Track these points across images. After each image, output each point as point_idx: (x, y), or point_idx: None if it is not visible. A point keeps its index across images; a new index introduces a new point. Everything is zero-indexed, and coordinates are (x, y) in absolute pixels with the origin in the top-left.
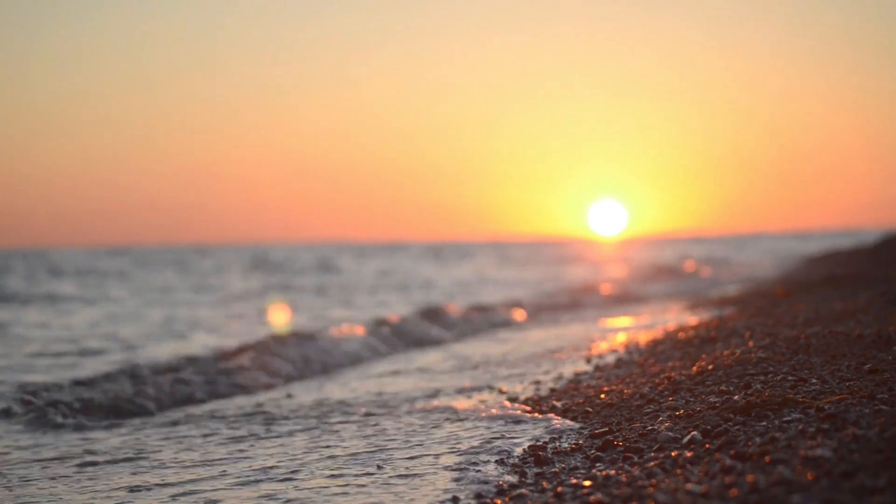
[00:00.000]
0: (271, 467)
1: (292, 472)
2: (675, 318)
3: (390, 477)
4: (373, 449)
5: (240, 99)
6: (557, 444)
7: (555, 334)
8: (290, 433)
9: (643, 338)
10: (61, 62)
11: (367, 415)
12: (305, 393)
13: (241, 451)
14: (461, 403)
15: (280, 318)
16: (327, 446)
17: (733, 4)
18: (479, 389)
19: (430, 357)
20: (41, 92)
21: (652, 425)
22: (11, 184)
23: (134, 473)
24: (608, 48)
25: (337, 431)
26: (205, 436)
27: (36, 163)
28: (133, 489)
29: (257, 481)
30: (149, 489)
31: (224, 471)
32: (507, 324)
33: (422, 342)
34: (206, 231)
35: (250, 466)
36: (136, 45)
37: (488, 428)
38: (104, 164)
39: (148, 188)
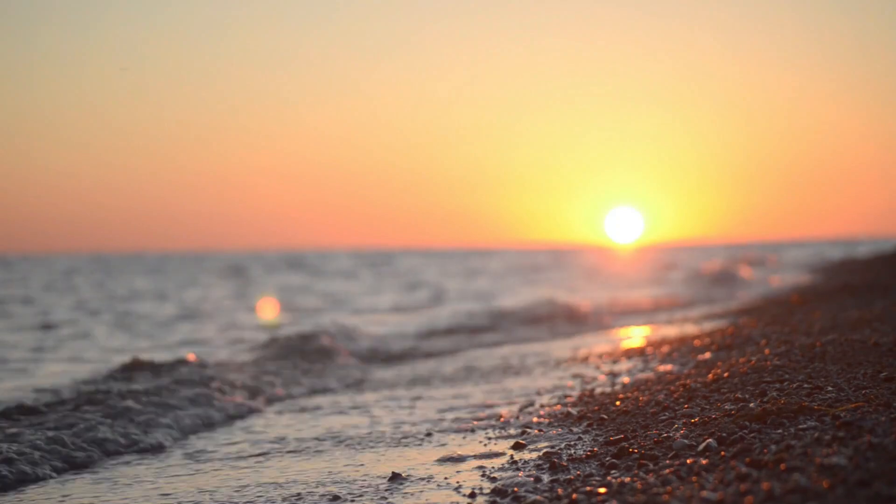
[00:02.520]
0: None
1: None
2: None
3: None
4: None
5: (250, 108)
6: (573, 450)
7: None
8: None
9: (660, 345)
10: (70, 71)
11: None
12: None
13: None
14: (478, 411)
15: None
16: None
17: (749, 12)
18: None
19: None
20: (49, 100)
21: (667, 432)
22: (18, 190)
23: None
24: (623, 56)
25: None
26: None
27: (43, 170)
28: None
29: None
30: None
31: None
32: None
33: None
34: (215, 238)
35: None
36: (145, 53)
37: (504, 434)
38: (112, 171)
39: (156, 196)
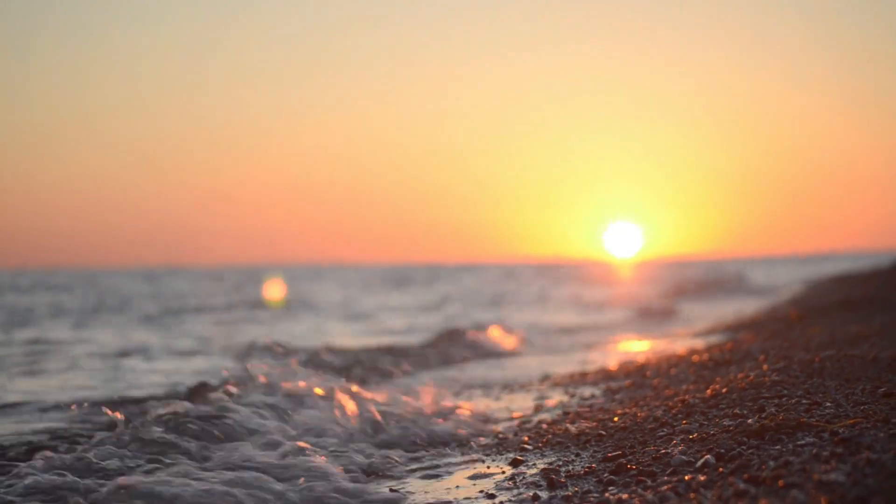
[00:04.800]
0: None
1: None
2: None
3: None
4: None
5: (243, 121)
6: (570, 466)
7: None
8: None
9: (658, 360)
10: (64, 83)
11: None
12: None
13: None
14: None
15: None
16: None
17: (752, 24)
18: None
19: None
20: (43, 111)
21: (665, 448)
22: (15, 204)
23: None
24: (624, 68)
25: None
26: None
27: (39, 184)
28: None
29: None
30: None
31: None
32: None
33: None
34: (206, 253)
35: None
36: (139, 66)
37: (501, 450)
38: (105, 185)
39: (150, 210)
